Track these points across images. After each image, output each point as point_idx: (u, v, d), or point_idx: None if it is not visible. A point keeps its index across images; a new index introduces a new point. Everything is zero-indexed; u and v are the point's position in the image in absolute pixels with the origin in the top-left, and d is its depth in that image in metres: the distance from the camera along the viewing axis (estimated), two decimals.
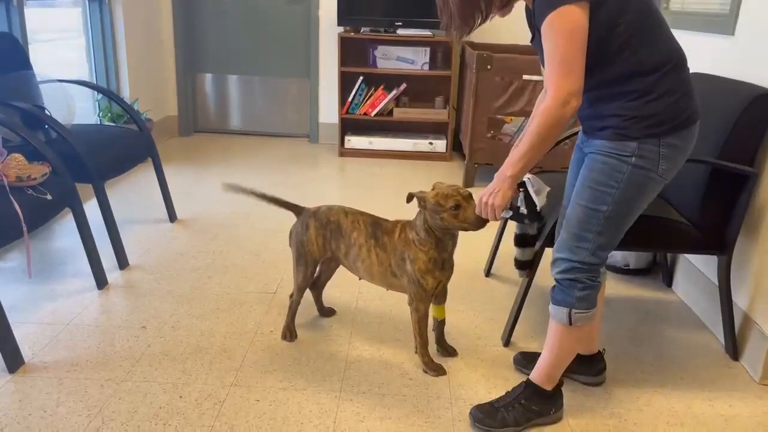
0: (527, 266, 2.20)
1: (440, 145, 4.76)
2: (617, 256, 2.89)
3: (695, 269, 2.57)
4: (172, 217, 3.37)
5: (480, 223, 1.83)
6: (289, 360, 2.14)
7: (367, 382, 2.04)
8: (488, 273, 2.84)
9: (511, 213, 1.79)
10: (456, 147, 4.95)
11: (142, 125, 3.25)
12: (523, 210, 1.80)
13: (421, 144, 4.76)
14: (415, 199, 1.95)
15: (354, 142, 4.79)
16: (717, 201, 2.13)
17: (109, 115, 4.14)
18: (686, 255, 2.66)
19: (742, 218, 2.11)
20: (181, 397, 1.93)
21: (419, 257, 1.95)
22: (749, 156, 2.09)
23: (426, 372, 2.08)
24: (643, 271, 2.89)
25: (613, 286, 2.77)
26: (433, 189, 1.94)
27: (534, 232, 2.15)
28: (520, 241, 2.17)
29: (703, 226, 2.14)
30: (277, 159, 4.65)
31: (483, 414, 1.84)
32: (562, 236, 1.76)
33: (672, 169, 1.67)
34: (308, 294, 2.40)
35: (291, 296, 2.25)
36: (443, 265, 1.99)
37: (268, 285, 2.68)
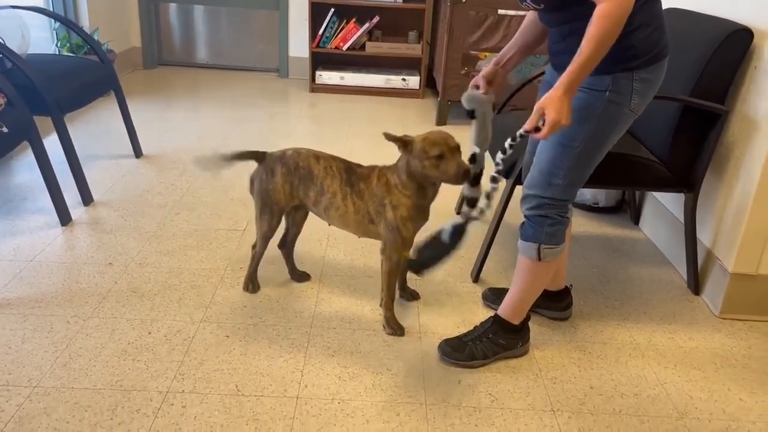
0: (475, 204, 2.09)
1: (414, 81, 4.68)
2: (587, 195, 2.92)
3: (662, 207, 2.60)
4: (138, 152, 3.28)
5: (460, 178, 1.74)
6: (259, 297, 2.13)
7: (338, 317, 2.05)
8: (458, 211, 2.84)
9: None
10: (430, 84, 4.87)
11: (104, 56, 3.12)
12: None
13: (395, 80, 4.68)
14: (395, 141, 1.82)
15: (325, 77, 4.68)
16: (687, 139, 2.14)
17: (68, 45, 3.96)
18: (654, 193, 2.69)
19: (710, 157, 2.13)
20: (149, 333, 1.92)
21: (402, 203, 1.84)
22: (721, 94, 2.09)
23: (384, 329, 1.99)
24: (612, 209, 2.92)
25: (582, 224, 2.80)
26: (424, 134, 1.81)
27: (479, 170, 1.99)
28: (476, 182, 2.00)
29: (672, 164, 2.16)
30: (245, 94, 4.53)
31: (451, 348, 1.87)
32: (533, 173, 1.75)
33: (642, 103, 1.66)
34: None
35: (253, 247, 2.12)
36: (424, 212, 1.90)
37: (238, 222, 2.64)
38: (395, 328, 1.99)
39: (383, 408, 1.68)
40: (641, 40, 1.58)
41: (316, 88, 4.69)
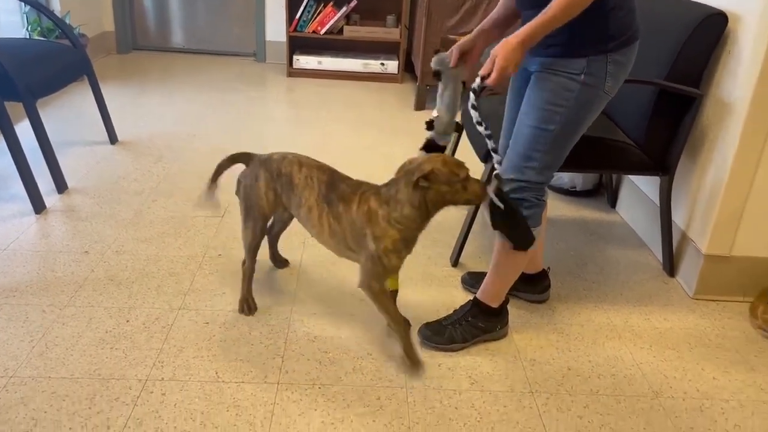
0: None
1: (392, 65, 4.66)
2: (564, 179, 2.94)
3: (638, 190, 2.63)
4: (113, 138, 3.23)
5: (485, 195, 1.63)
6: (238, 283, 2.12)
7: (318, 303, 2.05)
8: None
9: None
10: (408, 68, 4.85)
11: (76, 40, 3.05)
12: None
13: (373, 65, 4.65)
14: (419, 179, 1.59)
15: (303, 61, 4.64)
16: (662, 123, 2.16)
17: (39, 29, 3.87)
18: (630, 176, 2.72)
19: (685, 140, 2.15)
20: (127, 321, 1.90)
21: (389, 235, 1.64)
22: (696, 78, 2.11)
23: (405, 361, 1.76)
24: (589, 192, 2.95)
25: (560, 208, 2.83)
26: (419, 163, 1.62)
27: (444, 143, 1.95)
28: (428, 147, 1.93)
29: (648, 147, 2.18)
30: (221, 79, 4.47)
31: (431, 331, 1.88)
32: (510, 157, 1.76)
33: (615, 86, 1.68)
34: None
35: (243, 263, 1.97)
36: (412, 242, 1.71)
37: (216, 208, 2.62)
38: (415, 363, 1.77)
39: (364, 392, 1.69)
40: (615, 22, 1.60)
41: (293, 72, 4.65)
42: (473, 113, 1.61)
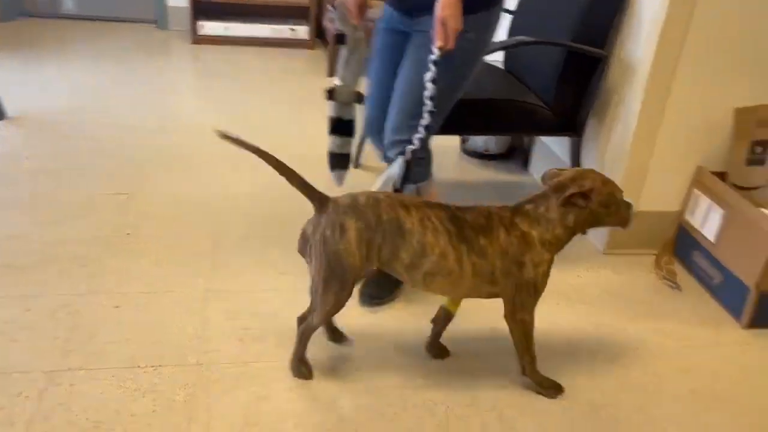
0: (345, 161, 1.94)
1: (302, 31, 4.53)
2: (478, 142, 2.97)
3: (550, 152, 2.70)
4: (2, 114, 2.98)
5: (631, 221, 1.55)
6: (148, 264, 2.02)
7: (235, 280, 1.99)
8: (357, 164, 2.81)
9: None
10: (320, 34, 4.74)
11: None
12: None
13: (282, 30, 4.51)
14: (575, 199, 1.47)
15: (208, 28, 4.42)
16: (571, 84, 2.21)
17: None
18: (542, 138, 2.78)
19: (593, 101, 2.21)
20: (28, 310, 1.77)
21: (545, 260, 1.50)
22: (601, 39, 2.16)
23: (541, 393, 1.64)
24: (503, 155, 3.00)
25: (474, 171, 2.86)
26: (571, 177, 1.49)
27: (351, 117, 1.90)
28: (337, 126, 1.87)
29: (558, 108, 2.22)
30: (120, 48, 4.21)
31: (375, 291, 1.91)
32: (397, 118, 1.78)
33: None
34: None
35: (300, 320, 1.64)
36: None
37: (122, 185, 2.48)
38: (556, 388, 1.65)
39: (288, 367, 1.65)
40: None
41: (198, 39, 4.43)
42: (431, 86, 1.63)
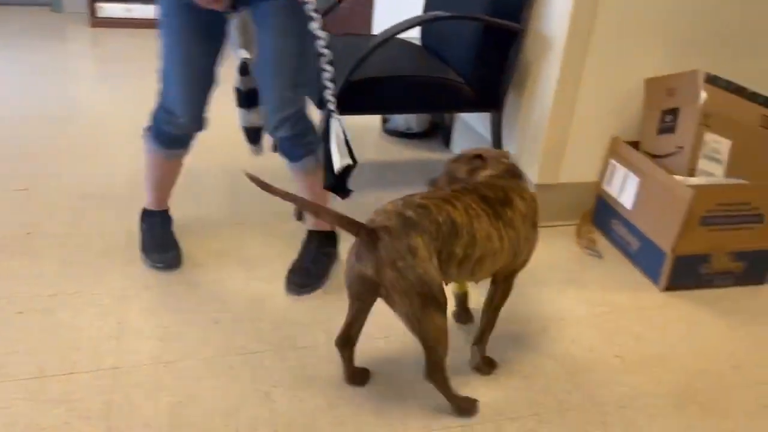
0: (258, 135, 1.88)
1: None
2: (399, 121, 2.94)
3: (471, 128, 2.70)
4: None
5: None
6: (54, 264, 1.87)
7: (153, 276, 1.87)
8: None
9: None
10: None
11: None
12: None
13: None
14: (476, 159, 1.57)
15: (108, 9, 4.17)
16: (489, 59, 2.20)
17: None
18: (463, 115, 2.78)
19: (511, 76, 2.22)
20: None
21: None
22: (517, 13, 2.16)
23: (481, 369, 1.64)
24: (425, 134, 2.98)
25: (396, 151, 2.83)
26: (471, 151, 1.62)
27: (256, 85, 1.82)
28: (252, 97, 1.80)
29: (476, 84, 2.21)
30: (12, 33, 3.89)
31: (301, 278, 1.87)
32: (284, 94, 1.70)
33: None
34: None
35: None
36: None
37: (19, 181, 2.28)
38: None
39: (214, 363, 1.57)
40: None
41: (97, 22, 4.17)
42: (328, 53, 1.54)
